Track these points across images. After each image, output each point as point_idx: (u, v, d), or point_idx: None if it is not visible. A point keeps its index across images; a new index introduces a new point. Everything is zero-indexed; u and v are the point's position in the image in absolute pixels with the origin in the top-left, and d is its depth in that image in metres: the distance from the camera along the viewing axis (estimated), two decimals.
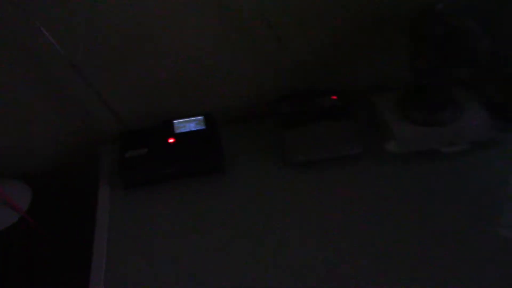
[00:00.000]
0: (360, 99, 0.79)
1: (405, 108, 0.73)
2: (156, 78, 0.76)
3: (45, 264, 0.76)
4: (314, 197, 0.66)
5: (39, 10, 0.64)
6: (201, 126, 0.74)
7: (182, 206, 0.67)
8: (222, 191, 0.69)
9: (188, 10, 0.69)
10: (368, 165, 0.70)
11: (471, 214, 0.61)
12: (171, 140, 0.72)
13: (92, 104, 0.77)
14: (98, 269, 0.61)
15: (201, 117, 0.75)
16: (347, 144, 0.70)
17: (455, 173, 0.67)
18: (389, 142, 0.70)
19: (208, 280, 0.58)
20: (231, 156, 0.73)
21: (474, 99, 0.73)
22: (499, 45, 0.63)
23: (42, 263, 0.76)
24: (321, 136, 0.71)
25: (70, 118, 0.78)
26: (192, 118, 0.75)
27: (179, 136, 0.72)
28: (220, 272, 0.59)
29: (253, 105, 0.81)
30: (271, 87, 0.80)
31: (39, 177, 0.81)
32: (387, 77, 0.81)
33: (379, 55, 0.79)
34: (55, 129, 0.78)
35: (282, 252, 0.60)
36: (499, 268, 0.56)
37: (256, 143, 0.76)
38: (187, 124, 0.74)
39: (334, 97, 0.76)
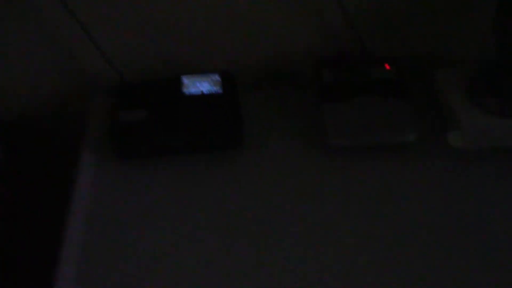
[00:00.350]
0: (419, 72, 0.68)
1: (477, 91, 0.62)
2: (162, 15, 0.64)
3: (5, 243, 0.67)
4: (352, 189, 0.57)
5: None
6: (217, 88, 0.63)
7: (187, 188, 0.57)
8: (239, 172, 0.59)
9: None
10: (422, 158, 0.60)
11: None
12: (178, 103, 0.61)
13: (79, 44, 0.65)
14: (69, 260, 0.51)
15: (217, 75, 0.64)
16: (398, 128, 0.60)
17: None
18: (452, 132, 0.60)
19: (212, 281, 0.49)
20: (253, 129, 0.63)
21: None
22: None
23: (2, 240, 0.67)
24: (368, 116, 0.60)
25: (51, 57, 0.66)
26: (206, 76, 0.64)
27: (189, 99, 0.62)
28: (227, 274, 0.50)
29: (287, 67, 0.70)
30: (312, 45, 0.68)
31: (8, 130, 0.70)
32: (458, 48, 0.69)
33: (451, 17, 0.67)
34: (30, 68, 0.67)
35: (307, 252, 0.51)
36: None
37: (286, 114, 0.65)
38: (199, 83, 0.63)
39: (387, 67, 0.65)
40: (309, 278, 0.49)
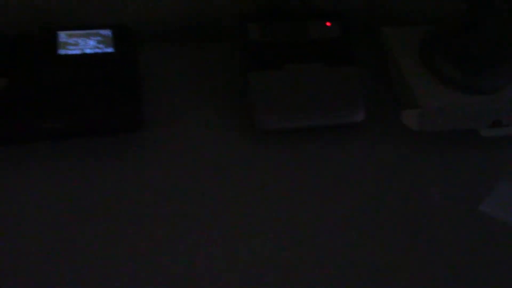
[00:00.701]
0: (362, 29, 0.56)
1: (435, 57, 0.52)
2: None
3: None
4: (286, 180, 0.46)
5: None
6: (107, 48, 0.48)
7: (63, 185, 0.43)
8: (138, 163, 0.45)
9: None
10: (372, 141, 0.49)
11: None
12: (50, 68, 0.46)
13: None
14: None
15: (108, 30, 0.49)
16: (343, 106, 0.49)
17: (493, 169, 0.49)
18: (407, 111, 0.50)
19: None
20: (159, 103, 0.49)
21: None
22: None
23: None
24: (305, 89, 0.49)
25: None
26: (92, 31, 0.49)
27: (67, 62, 0.46)
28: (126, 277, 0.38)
29: (204, 19, 0.55)
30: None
31: None
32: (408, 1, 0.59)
33: None
34: None
35: (233, 257, 0.40)
36: None
37: (203, 82, 0.52)
38: (81, 41, 0.48)
39: (329, 24, 0.53)
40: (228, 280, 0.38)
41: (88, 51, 0.47)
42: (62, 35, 0.48)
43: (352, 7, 0.58)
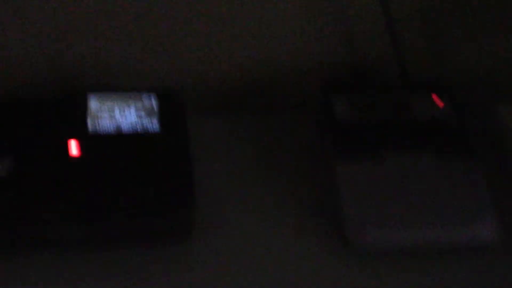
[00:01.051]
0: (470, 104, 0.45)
1: None
2: None
3: None
4: None
5: None
6: (151, 122, 0.37)
7: None
8: (185, 282, 0.33)
9: None
10: (505, 268, 0.37)
11: None
12: (76, 152, 0.34)
13: None
14: None
15: (152, 97, 0.38)
16: (468, 217, 0.36)
17: None
18: None
19: None
20: (212, 201, 0.38)
21: None
22: None
23: None
24: (414, 192, 0.37)
25: None
26: (133, 96, 0.38)
27: (98, 142, 0.35)
28: None
29: (275, 85, 0.45)
30: (317, 54, 0.43)
31: None
32: None
33: None
34: None
35: None
36: None
37: (272, 171, 0.40)
38: (118, 110, 0.37)
39: (440, 103, 0.41)
40: None
41: (126, 127, 0.36)
42: (94, 101, 0.36)
43: (458, 79, 0.47)
